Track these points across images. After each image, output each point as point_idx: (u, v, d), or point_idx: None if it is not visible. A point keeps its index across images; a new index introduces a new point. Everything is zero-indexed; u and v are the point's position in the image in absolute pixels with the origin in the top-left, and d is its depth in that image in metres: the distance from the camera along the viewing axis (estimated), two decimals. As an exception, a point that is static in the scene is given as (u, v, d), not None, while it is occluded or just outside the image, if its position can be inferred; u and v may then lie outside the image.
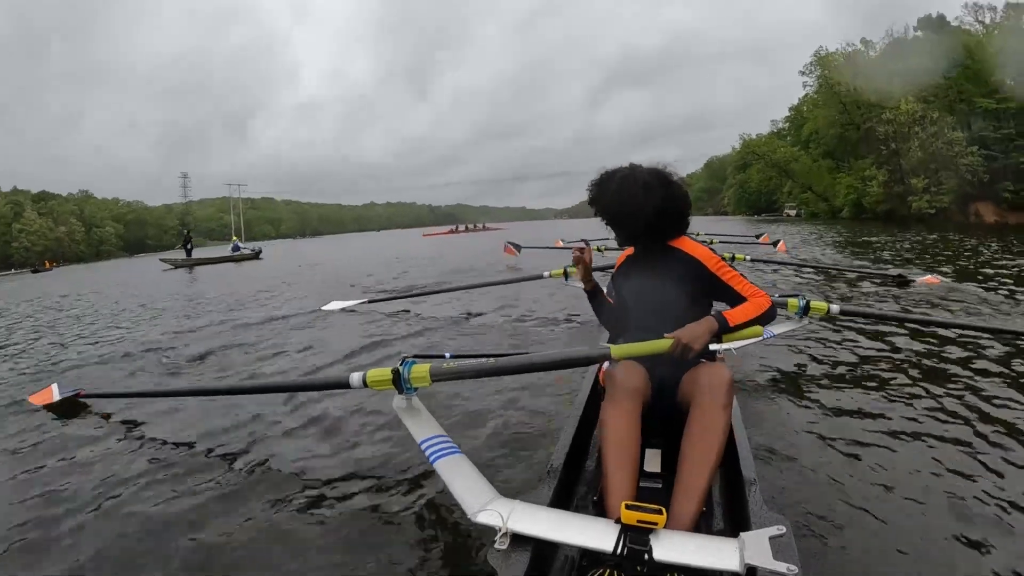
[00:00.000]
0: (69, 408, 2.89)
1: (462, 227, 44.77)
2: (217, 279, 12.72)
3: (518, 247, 10.10)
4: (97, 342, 5.09)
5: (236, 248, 20.87)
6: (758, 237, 11.39)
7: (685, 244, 1.61)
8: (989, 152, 27.40)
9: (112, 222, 76.06)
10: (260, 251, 20.74)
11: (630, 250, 1.77)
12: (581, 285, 1.82)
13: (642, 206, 1.53)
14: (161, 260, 20.54)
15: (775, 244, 9.86)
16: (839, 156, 39.72)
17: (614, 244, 1.78)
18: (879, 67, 33.80)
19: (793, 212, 44.50)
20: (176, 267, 18.16)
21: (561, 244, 10.13)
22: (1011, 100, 27.11)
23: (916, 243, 12.01)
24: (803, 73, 39.40)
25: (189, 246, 21.55)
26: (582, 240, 1.63)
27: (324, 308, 5.33)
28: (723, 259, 1.60)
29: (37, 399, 2.97)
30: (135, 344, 4.69)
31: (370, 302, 5.32)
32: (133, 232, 76.27)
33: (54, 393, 2.93)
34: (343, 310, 5.17)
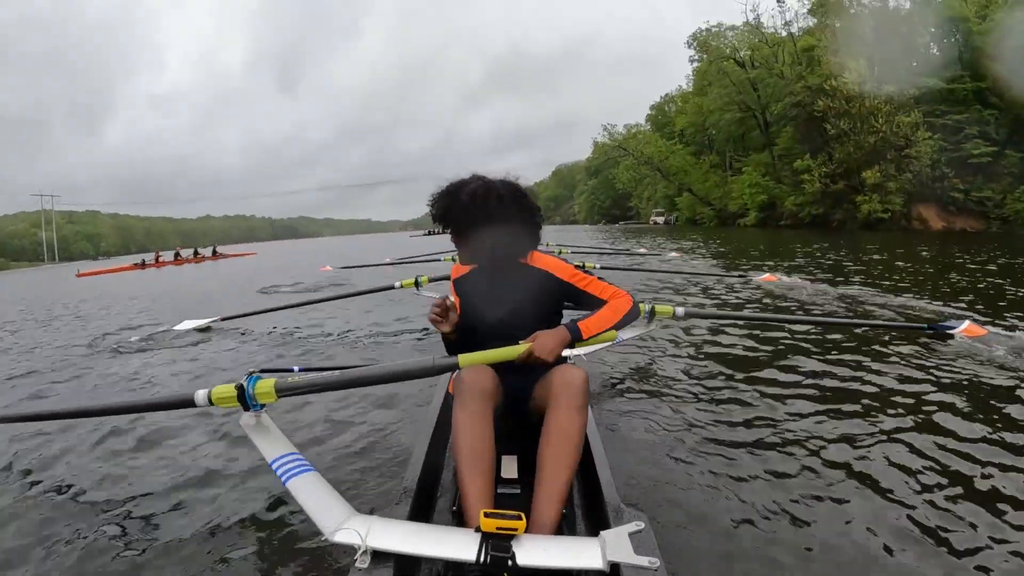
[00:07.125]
0: None
1: (166, 257, 22.94)
2: None
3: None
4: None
5: None
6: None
7: (534, 258, 1.58)
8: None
9: None
10: None
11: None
12: (433, 295, 1.73)
13: (498, 220, 1.46)
14: None
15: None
16: (724, 152, 36.30)
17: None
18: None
19: (661, 220, 40.12)
20: None
21: (389, 261, 9.70)
22: (965, 81, 23.20)
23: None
24: (688, 45, 36.24)
25: None
26: (445, 297, 1.49)
27: (176, 328, 5.12)
28: (576, 267, 1.59)
29: None
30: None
31: (223, 320, 5.24)
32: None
33: None
34: (195, 329, 5.05)
